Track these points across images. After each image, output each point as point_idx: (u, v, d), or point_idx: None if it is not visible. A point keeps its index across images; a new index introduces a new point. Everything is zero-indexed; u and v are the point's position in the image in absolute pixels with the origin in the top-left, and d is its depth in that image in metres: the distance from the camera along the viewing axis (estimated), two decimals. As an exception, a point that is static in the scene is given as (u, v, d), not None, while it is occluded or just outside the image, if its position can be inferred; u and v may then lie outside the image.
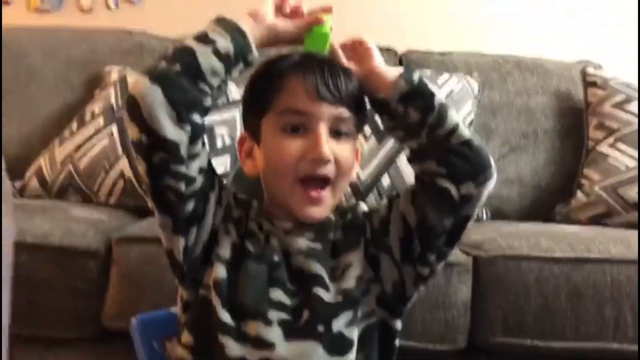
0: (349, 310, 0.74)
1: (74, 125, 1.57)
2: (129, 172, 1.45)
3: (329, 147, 0.74)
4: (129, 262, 1.12)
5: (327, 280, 0.75)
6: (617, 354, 1.14)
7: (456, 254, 1.17)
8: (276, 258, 0.75)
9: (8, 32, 1.84)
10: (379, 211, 0.80)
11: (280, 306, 0.73)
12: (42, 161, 1.52)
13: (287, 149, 0.74)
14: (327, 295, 0.74)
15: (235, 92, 1.56)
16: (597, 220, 1.51)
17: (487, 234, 1.26)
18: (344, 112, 0.75)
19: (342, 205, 0.85)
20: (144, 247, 1.12)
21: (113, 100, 1.58)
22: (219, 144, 1.53)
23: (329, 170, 0.75)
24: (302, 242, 0.76)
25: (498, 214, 1.66)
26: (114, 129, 1.50)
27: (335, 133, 0.76)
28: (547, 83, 1.80)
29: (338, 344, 0.72)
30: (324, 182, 0.76)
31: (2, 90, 1.70)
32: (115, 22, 1.96)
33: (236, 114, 1.54)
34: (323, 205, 0.76)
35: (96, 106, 1.58)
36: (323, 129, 0.74)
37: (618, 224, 1.49)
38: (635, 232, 1.25)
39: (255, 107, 0.79)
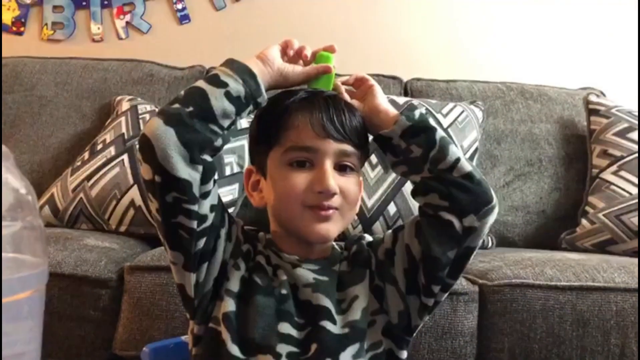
0: (356, 342, 0.75)
1: (86, 154, 1.59)
2: (139, 201, 1.47)
3: (335, 180, 0.76)
4: (141, 290, 1.13)
5: (334, 312, 0.76)
6: (624, 383, 1.15)
7: (462, 283, 1.19)
8: (284, 291, 0.77)
9: (20, 61, 1.89)
10: (384, 243, 0.82)
11: (288, 339, 0.74)
12: (55, 190, 1.55)
13: (294, 181, 0.76)
14: (334, 328, 0.75)
15: (243, 120, 1.59)
16: (602, 247, 1.53)
17: (492, 262, 1.27)
18: (348, 147, 0.77)
19: (348, 236, 0.87)
20: (156, 276, 1.14)
21: (124, 129, 1.61)
22: (227, 171, 1.55)
23: (335, 201, 0.77)
24: (309, 275, 0.78)
25: (503, 241, 1.68)
26: (125, 157, 1.53)
27: (340, 167, 0.77)
28: (551, 110, 1.83)
29: None
30: (330, 208, 0.77)
31: (2, 118, 1.73)
32: (125, 51, 2.01)
33: (244, 142, 1.57)
34: (332, 223, 0.77)
35: (107, 135, 1.61)
36: (328, 164, 0.76)
37: (622, 251, 1.50)
38: (640, 260, 1.26)
39: (262, 142, 0.80)
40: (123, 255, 1.25)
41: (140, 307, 1.12)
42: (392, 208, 1.54)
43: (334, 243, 0.84)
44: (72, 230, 1.44)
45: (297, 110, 0.77)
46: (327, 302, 0.76)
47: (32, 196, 0.43)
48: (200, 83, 0.74)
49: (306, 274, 0.78)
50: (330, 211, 0.76)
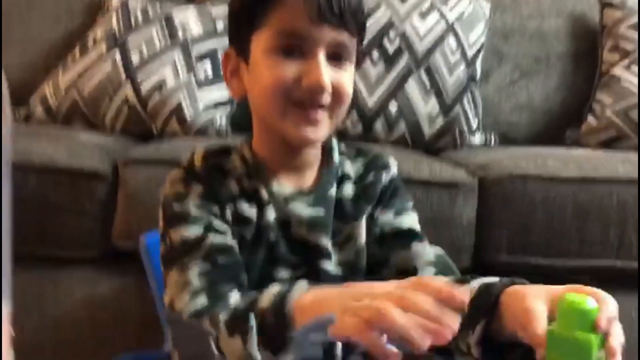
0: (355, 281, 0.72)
1: (77, 51, 1.54)
2: (133, 99, 1.43)
3: (327, 74, 0.66)
4: (136, 183, 1.12)
5: (330, 248, 0.72)
6: (620, 272, 1.15)
7: (462, 175, 1.17)
8: (272, 237, 0.71)
9: (6, -42, 1.79)
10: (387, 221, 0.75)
11: (286, 282, 0.69)
12: (47, 88, 1.51)
13: (280, 72, 0.66)
14: (331, 267, 0.72)
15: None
16: (607, 145, 1.49)
17: (494, 156, 1.25)
18: (346, 35, 0.68)
19: (372, 152, 0.79)
20: (150, 169, 1.12)
21: (115, 26, 1.54)
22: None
23: (325, 99, 0.68)
24: (303, 210, 0.71)
25: (507, 140, 1.64)
26: (117, 54, 1.48)
27: (334, 58, 0.68)
28: (562, 4, 1.74)
29: None
30: (319, 106, 0.68)
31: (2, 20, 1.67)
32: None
33: (240, 38, 1.51)
34: (320, 127, 0.69)
35: (98, 32, 1.55)
36: (322, 55, 0.66)
37: (628, 148, 1.47)
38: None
39: (244, 21, 0.69)
40: (117, 149, 1.23)
41: (136, 199, 1.12)
42: (393, 106, 1.50)
43: (334, 146, 0.76)
44: (65, 128, 1.42)
45: None
46: (323, 241, 0.71)
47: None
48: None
49: (299, 209, 0.71)
50: (319, 112, 0.68)
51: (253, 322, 0.57)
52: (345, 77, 0.69)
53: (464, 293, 0.47)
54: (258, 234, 0.71)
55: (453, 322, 0.46)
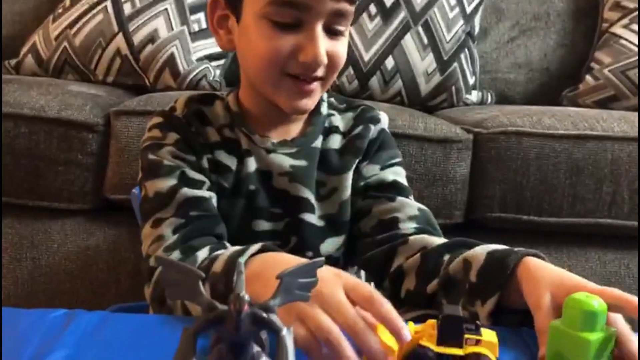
0: (337, 235, 0.72)
1: (67, 1, 1.51)
2: (125, 50, 1.40)
3: (324, 46, 0.64)
4: (128, 135, 1.11)
5: (313, 201, 0.71)
6: (611, 229, 1.16)
7: (457, 131, 1.16)
8: (252, 186, 0.70)
9: None
10: (372, 173, 0.74)
11: (266, 235, 0.70)
12: (37, 38, 1.48)
13: (275, 45, 0.64)
14: (314, 219, 0.71)
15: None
16: (604, 105, 1.48)
17: (489, 113, 1.24)
18: (346, 6, 0.64)
19: (362, 106, 0.77)
20: (143, 120, 1.11)
21: (106, -25, 1.50)
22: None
23: (320, 71, 0.66)
24: (285, 161, 0.70)
25: (503, 99, 1.63)
26: (108, 4, 1.44)
27: (331, 28, 0.65)
28: (565, -41, 1.70)
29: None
30: (315, 80, 0.67)
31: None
32: None
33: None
34: (313, 97, 0.68)
35: (89, -19, 1.51)
36: (319, 28, 0.63)
37: (624, 109, 1.46)
38: (641, 112, 1.23)
39: None
40: (109, 101, 1.21)
41: (128, 152, 1.11)
42: (389, 62, 1.48)
43: (323, 98, 0.75)
44: (57, 79, 1.39)
45: None
46: (305, 193, 0.71)
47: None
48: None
49: (281, 160, 0.70)
50: (314, 84, 0.66)
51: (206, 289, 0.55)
52: (341, 47, 0.67)
53: (408, 335, 0.44)
54: (237, 183, 0.70)
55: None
